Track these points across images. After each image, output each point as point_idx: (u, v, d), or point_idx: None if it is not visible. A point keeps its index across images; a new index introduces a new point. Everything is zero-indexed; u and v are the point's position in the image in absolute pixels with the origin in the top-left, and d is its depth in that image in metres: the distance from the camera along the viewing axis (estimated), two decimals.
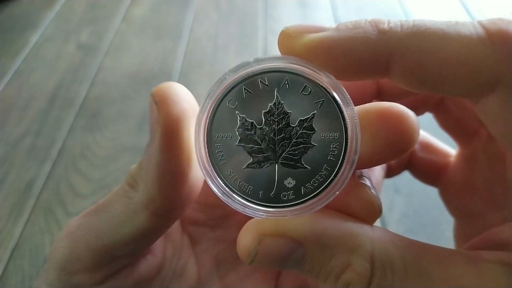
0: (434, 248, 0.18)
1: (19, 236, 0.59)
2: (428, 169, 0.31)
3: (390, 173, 0.31)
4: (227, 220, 0.28)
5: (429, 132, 0.32)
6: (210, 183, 0.19)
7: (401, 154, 0.18)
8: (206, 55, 0.94)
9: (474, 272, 0.17)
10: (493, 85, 0.16)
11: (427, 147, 0.31)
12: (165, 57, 0.93)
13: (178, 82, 0.19)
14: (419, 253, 0.18)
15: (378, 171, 0.29)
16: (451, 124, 0.28)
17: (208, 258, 0.27)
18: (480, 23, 0.17)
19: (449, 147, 0.31)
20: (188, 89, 0.20)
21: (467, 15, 1.07)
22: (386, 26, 0.17)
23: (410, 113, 0.18)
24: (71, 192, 0.65)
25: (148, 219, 0.20)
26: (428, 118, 0.29)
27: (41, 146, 0.73)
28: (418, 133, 0.18)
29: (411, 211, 0.63)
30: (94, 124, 0.77)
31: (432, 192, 0.32)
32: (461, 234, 0.29)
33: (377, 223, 0.64)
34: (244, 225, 0.19)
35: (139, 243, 0.21)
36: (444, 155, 0.30)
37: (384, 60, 0.17)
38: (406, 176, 0.33)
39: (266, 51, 0.95)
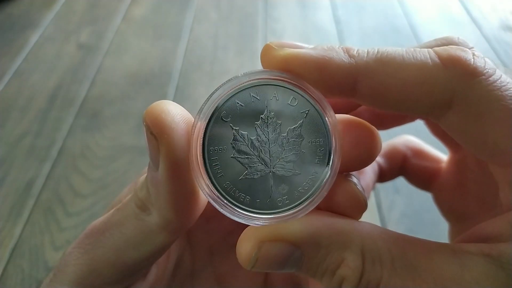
0: (420, 241, 0.19)
1: (19, 236, 0.59)
2: (421, 175, 0.32)
3: (383, 178, 0.32)
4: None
5: (421, 139, 0.33)
6: (208, 197, 0.19)
7: (365, 161, 0.21)
8: (206, 55, 0.94)
9: (457, 263, 0.18)
10: (449, 102, 0.18)
11: (420, 154, 0.32)
12: (165, 57, 0.93)
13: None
14: (405, 246, 0.19)
15: (369, 175, 0.30)
16: (442, 130, 0.29)
17: (203, 249, 0.28)
18: (433, 50, 0.19)
19: (440, 153, 0.32)
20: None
21: (467, 15, 1.07)
22: (355, 52, 0.19)
23: (373, 127, 0.20)
24: (71, 192, 0.65)
25: (166, 238, 0.21)
26: (419, 125, 0.30)
27: (41, 146, 0.73)
28: (380, 146, 0.20)
29: (411, 211, 0.63)
30: (94, 124, 0.77)
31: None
32: (455, 237, 0.30)
33: (377, 223, 0.64)
34: (242, 233, 0.19)
35: (156, 256, 0.22)
36: (436, 160, 0.32)
37: (351, 81, 0.19)
38: None
39: None
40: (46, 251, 0.58)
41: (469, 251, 0.18)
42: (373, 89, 0.19)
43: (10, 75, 0.88)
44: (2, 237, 0.59)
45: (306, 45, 0.20)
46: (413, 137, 0.33)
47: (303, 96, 0.20)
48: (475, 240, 0.20)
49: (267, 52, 0.20)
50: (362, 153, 0.20)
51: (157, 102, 0.19)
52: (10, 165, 0.69)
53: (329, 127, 0.20)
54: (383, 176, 0.32)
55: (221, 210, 0.19)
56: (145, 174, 0.21)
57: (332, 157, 0.19)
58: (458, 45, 0.21)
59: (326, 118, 0.20)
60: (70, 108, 0.80)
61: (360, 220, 0.21)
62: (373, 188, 0.31)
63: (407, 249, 0.19)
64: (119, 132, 0.76)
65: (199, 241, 0.28)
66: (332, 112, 0.20)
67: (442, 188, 0.31)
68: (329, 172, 0.19)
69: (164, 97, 0.81)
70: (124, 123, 0.78)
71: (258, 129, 0.19)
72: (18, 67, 0.90)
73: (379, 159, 0.31)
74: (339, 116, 0.21)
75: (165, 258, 0.26)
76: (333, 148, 0.19)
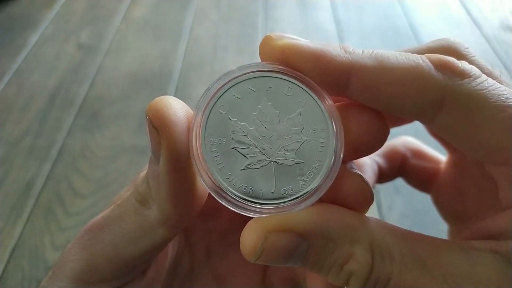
0: (428, 238, 0.19)
1: (19, 236, 0.59)
2: (420, 176, 0.32)
3: (383, 179, 0.32)
4: (219, 211, 0.28)
5: (420, 140, 0.33)
6: (211, 190, 0.19)
7: (375, 144, 0.21)
8: (206, 55, 0.94)
9: (465, 260, 0.18)
10: (440, 102, 0.19)
11: (419, 154, 0.32)
12: (165, 57, 0.93)
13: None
14: (414, 242, 0.19)
15: (369, 175, 0.30)
16: None
17: (201, 249, 0.28)
18: (425, 55, 0.20)
19: (439, 154, 0.32)
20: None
21: (467, 15, 1.07)
22: (350, 49, 0.20)
23: (379, 111, 0.20)
24: (71, 192, 0.66)
25: (166, 232, 0.21)
26: (418, 126, 0.30)
27: (41, 146, 0.73)
28: (388, 128, 0.21)
29: (411, 211, 0.63)
30: (94, 124, 0.77)
31: None
32: (455, 238, 0.30)
33: None
34: (247, 224, 0.19)
35: (155, 252, 0.22)
36: (435, 161, 0.32)
37: (345, 75, 0.19)
38: None
39: None
40: (46, 251, 0.58)
41: (476, 248, 0.18)
42: (366, 85, 0.19)
43: (10, 75, 0.88)
44: (2, 237, 0.59)
45: (303, 39, 0.20)
46: (412, 138, 0.33)
47: (299, 86, 0.20)
48: (478, 238, 0.20)
49: (266, 42, 0.20)
50: (372, 135, 0.20)
51: (160, 97, 0.19)
52: (10, 165, 0.69)
53: (328, 113, 0.20)
54: (383, 176, 0.32)
55: (224, 202, 0.19)
56: (145, 170, 0.21)
57: (335, 143, 0.19)
58: (455, 46, 0.22)
59: (324, 105, 0.20)
60: (70, 108, 0.80)
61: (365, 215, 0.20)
62: (373, 188, 0.31)
63: (415, 245, 0.19)
64: (119, 132, 0.76)
65: (198, 241, 0.28)
66: (329, 99, 0.20)
67: (441, 189, 0.31)
68: (333, 158, 0.19)
69: None
70: (124, 123, 0.78)
71: (257, 120, 0.20)
72: (18, 67, 0.90)
73: (378, 159, 0.32)
74: (344, 103, 0.21)
75: (164, 256, 0.26)
76: (334, 134, 0.19)
